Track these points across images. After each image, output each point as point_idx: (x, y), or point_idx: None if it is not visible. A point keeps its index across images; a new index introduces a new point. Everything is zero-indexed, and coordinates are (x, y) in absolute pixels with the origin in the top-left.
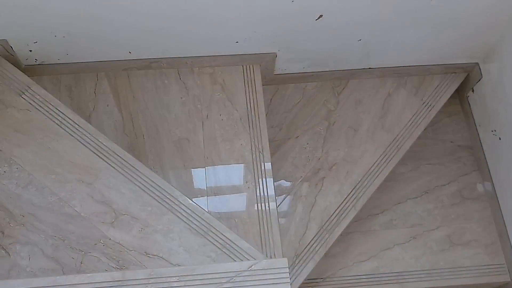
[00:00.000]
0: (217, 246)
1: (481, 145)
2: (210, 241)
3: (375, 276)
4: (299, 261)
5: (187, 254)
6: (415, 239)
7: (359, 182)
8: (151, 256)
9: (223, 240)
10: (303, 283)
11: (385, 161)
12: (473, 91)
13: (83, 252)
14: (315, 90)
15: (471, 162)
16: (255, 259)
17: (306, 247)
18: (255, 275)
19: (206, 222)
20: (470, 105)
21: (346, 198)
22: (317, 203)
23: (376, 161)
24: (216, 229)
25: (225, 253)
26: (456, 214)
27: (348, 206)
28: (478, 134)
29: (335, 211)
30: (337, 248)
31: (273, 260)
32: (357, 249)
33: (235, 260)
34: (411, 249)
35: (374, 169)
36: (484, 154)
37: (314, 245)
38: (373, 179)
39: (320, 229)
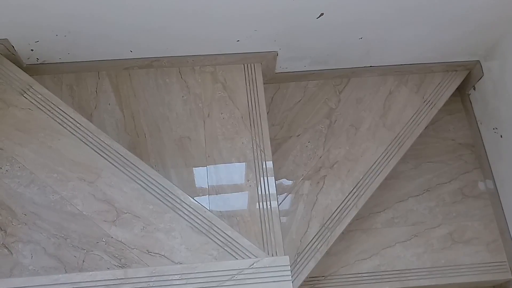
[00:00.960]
0: (218, 245)
1: (483, 143)
2: (211, 239)
3: (376, 274)
4: (301, 259)
5: (189, 252)
6: (417, 237)
7: (360, 180)
8: (153, 254)
9: (224, 238)
10: (304, 281)
11: (386, 159)
12: (474, 89)
13: (85, 251)
14: (316, 88)
15: (472, 160)
16: (256, 257)
17: (307, 245)
18: (256, 273)
19: (208, 220)
20: (471, 103)
21: (347, 196)
22: (318, 202)
23: (377, 159)
24: (218, 228)
25: (227, 251)
26: (458, 212)
27: (350, 204)
28: (480, 132)
29: (337, 209)
30: (338, 246)
31: (275, 258)
32: (359, 247)
33: (237, 258)
34: (412, 247)
35: (375, 167)
36: (486, 152)
37: (316, 243)
38: (374, 177)
39: (321, 227)
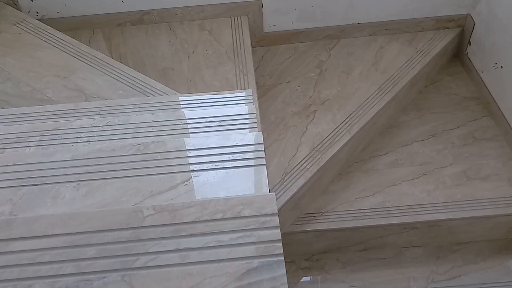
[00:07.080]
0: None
1: (488, 90)
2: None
3: (382, 209)
4: (289, 177)
5: None
6: (425, 176)
7: (353, 112)
8: None
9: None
10: (299, 217)
11: (380, 95)
12: (470, 43)
13: None
14: (306, 48)
15: (479, 110)
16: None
17: (296, 165)
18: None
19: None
20: (470, 60)
21: (339, 125)
22: (308, 130)
23: (371, 95)
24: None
25: None
26: (470, 153)
27: (342, 131)
28: (483, 81)
29: (328, 135)
30: (336, 186)
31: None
32: (360, 186)
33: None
34: (421, 184)
35: (368, 101)
36: (493, 97)
37: (305, 164)
38: (368, 109)
39: (311, 151)
